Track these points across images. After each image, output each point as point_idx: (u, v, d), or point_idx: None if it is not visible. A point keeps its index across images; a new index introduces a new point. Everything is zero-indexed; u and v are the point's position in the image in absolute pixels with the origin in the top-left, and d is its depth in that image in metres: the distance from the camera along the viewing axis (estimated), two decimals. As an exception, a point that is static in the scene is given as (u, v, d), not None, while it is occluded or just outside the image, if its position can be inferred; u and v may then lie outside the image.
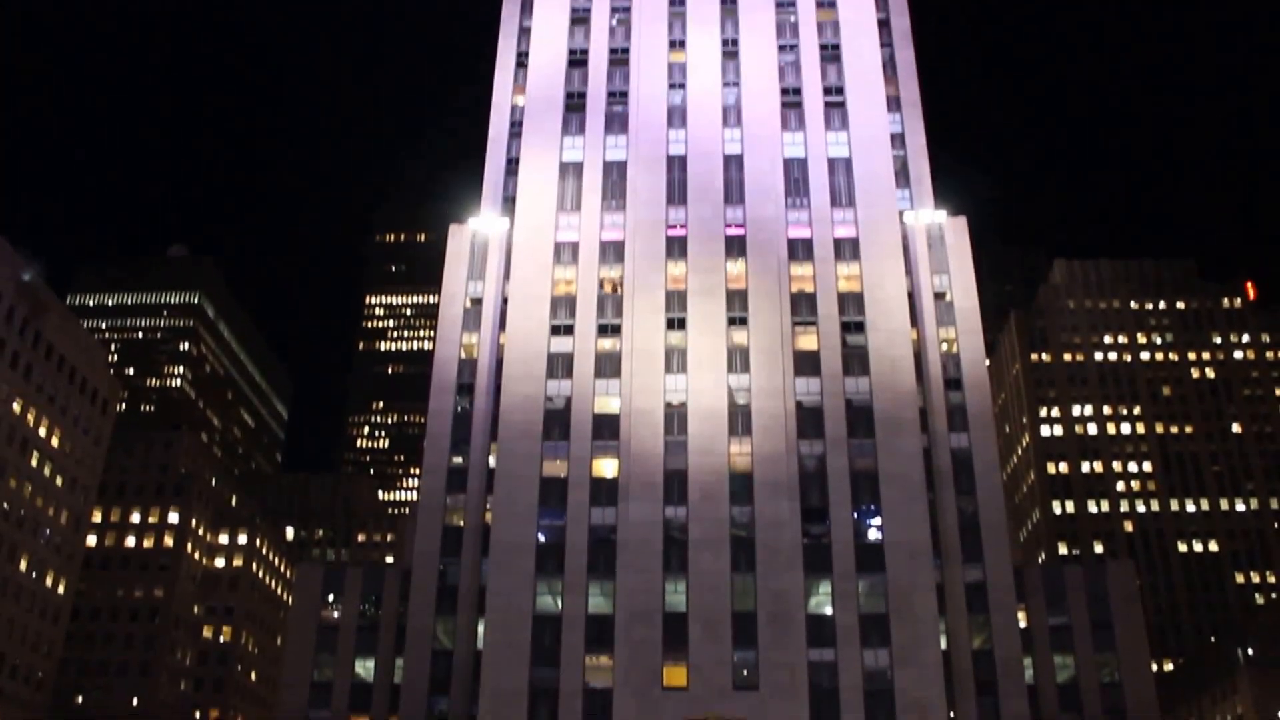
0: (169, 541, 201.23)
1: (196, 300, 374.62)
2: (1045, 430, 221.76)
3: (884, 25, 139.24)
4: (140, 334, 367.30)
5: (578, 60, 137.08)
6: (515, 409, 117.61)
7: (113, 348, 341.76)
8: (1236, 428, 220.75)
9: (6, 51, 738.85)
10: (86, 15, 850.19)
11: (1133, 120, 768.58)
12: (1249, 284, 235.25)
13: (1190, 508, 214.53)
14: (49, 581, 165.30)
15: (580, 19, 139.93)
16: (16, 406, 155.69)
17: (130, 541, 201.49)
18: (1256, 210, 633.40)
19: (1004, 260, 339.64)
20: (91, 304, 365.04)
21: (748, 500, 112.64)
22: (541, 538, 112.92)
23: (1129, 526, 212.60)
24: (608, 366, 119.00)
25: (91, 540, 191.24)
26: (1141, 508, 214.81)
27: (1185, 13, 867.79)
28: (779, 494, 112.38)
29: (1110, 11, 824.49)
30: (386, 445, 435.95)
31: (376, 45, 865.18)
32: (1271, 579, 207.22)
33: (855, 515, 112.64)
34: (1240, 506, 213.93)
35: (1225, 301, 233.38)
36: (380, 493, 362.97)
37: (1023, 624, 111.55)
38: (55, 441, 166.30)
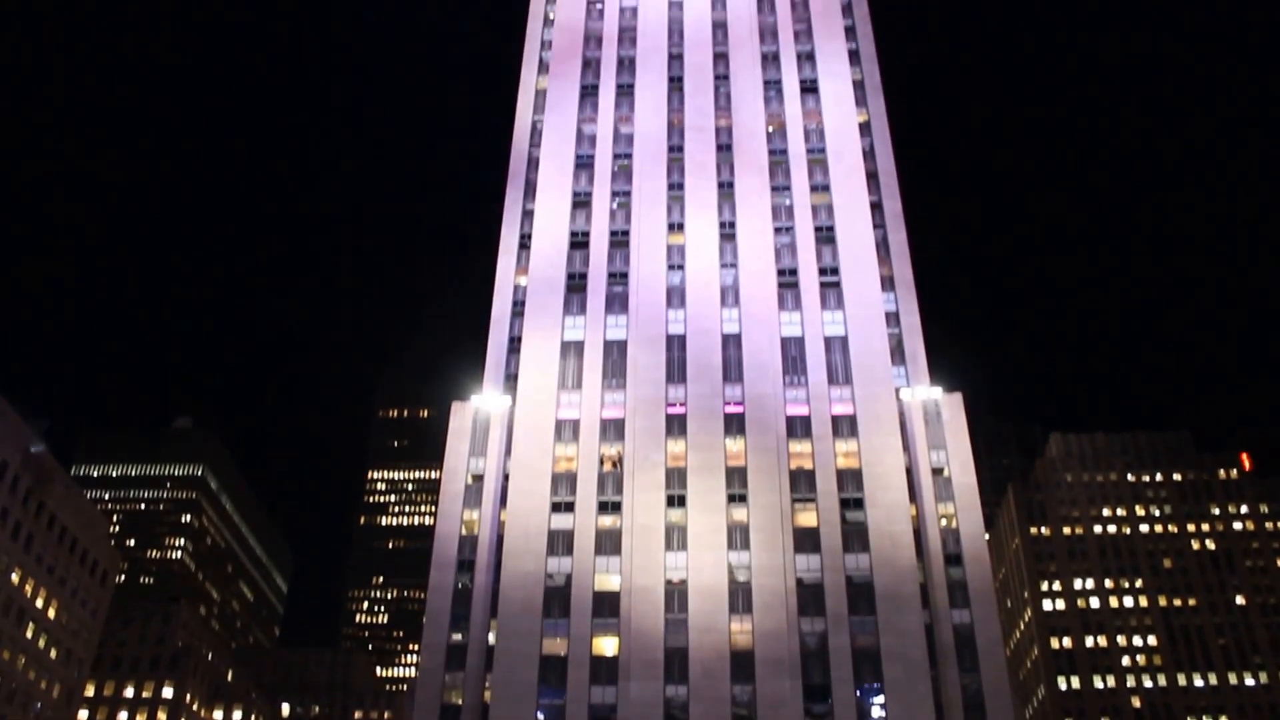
0: (162, 718, 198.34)
1: (200, 473, 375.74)
2: (1048, 605, 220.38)
3: (876, 208, 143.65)
4: (143, 505, 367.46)
5: (579, 242, 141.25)
6: (515, 586, 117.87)
7: (115, 518, 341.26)
8: (1240, 600, 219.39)
9: (17, 221, 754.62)
10: (91, 190, 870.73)
11: (1124, 293, 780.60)
12: (1244, 455, 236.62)
13: (1198, 682, 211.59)
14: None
15: (582, 202, 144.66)
16: (15, 577, 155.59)
17: (123, 717, 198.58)
18: (1249, 382, 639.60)
19: (1000, 434, 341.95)
20: (95, 474, 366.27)
21: (749, 679, 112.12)
22: (541, 716, 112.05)
23: (1136, 702, 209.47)
24: (608, 543, 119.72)
25: (83, 715, 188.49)
26: (1149, 682, 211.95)
27: (1180, 189, 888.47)
28: (780, 672, 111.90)
29: (1102, 187, 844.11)
30: (386, 620, 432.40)
31: (383, 224, 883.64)
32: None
33: (858, 694, 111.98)
34: (1249, 680, 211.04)
35: (1222, 473, 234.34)
36: (378, 669, 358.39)
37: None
38: (52, 613, 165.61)
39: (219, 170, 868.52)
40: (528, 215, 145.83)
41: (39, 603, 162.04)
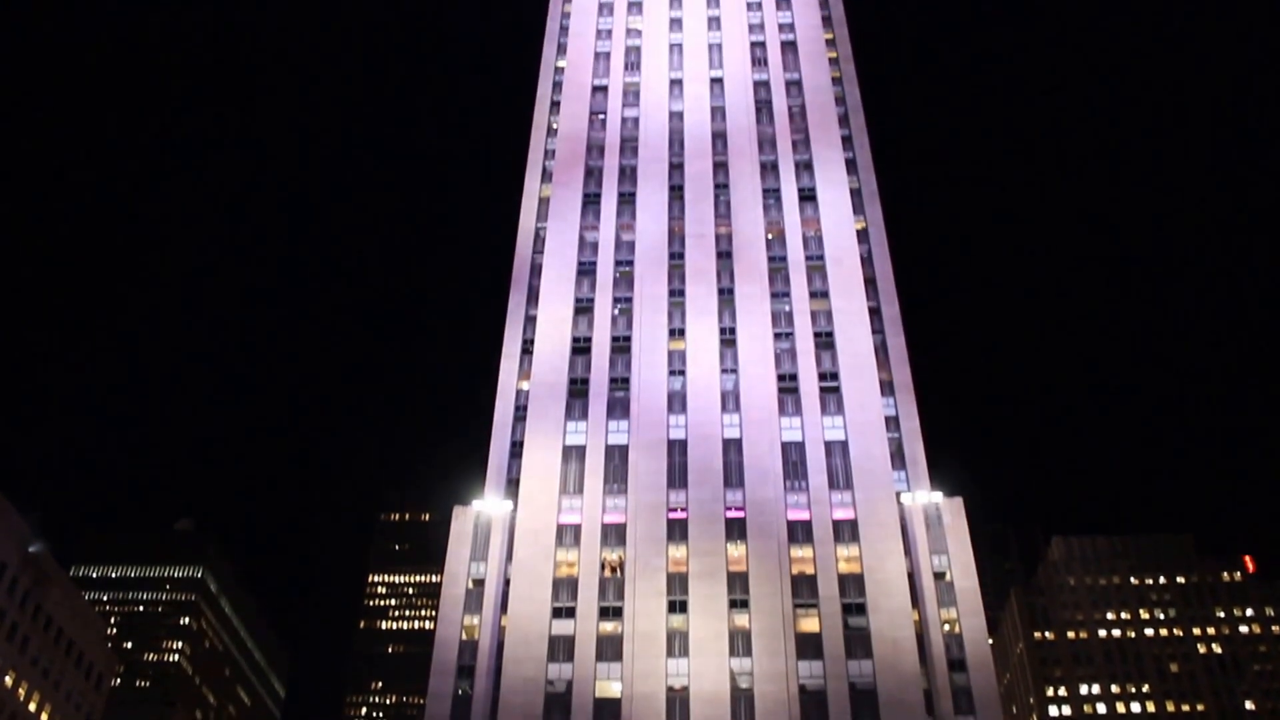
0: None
1: (199, 575, 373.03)
2: (1053, 710, 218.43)
3: (875, 313, 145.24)
4: (141, 607, 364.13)
5: (581, 348, 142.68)
6: (516, 692, 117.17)
7: (112, 620, 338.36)
8: (1250, 705, 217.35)
9: (18, 328, 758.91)
10: (94, 289, 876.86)
11: (1123, 396, 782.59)
12: (1247, 558, 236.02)
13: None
14: None
15: (584, 308, 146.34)
16: (9, 680, 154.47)
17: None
18: (1250, 484, 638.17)
19: (1002, 538, 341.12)
20: (94, 575, 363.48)
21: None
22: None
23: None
24: (609, 649, 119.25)
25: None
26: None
27: (1177, 294, 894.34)
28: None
29: (1101, 290, 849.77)
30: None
31: (386, 329, 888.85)
32: None
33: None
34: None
35: (1225, 575, 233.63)
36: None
37: None
38: (45, 717, 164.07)
39: (223, 272, 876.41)
40: (530, 321, 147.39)
41: (32, 706, 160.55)
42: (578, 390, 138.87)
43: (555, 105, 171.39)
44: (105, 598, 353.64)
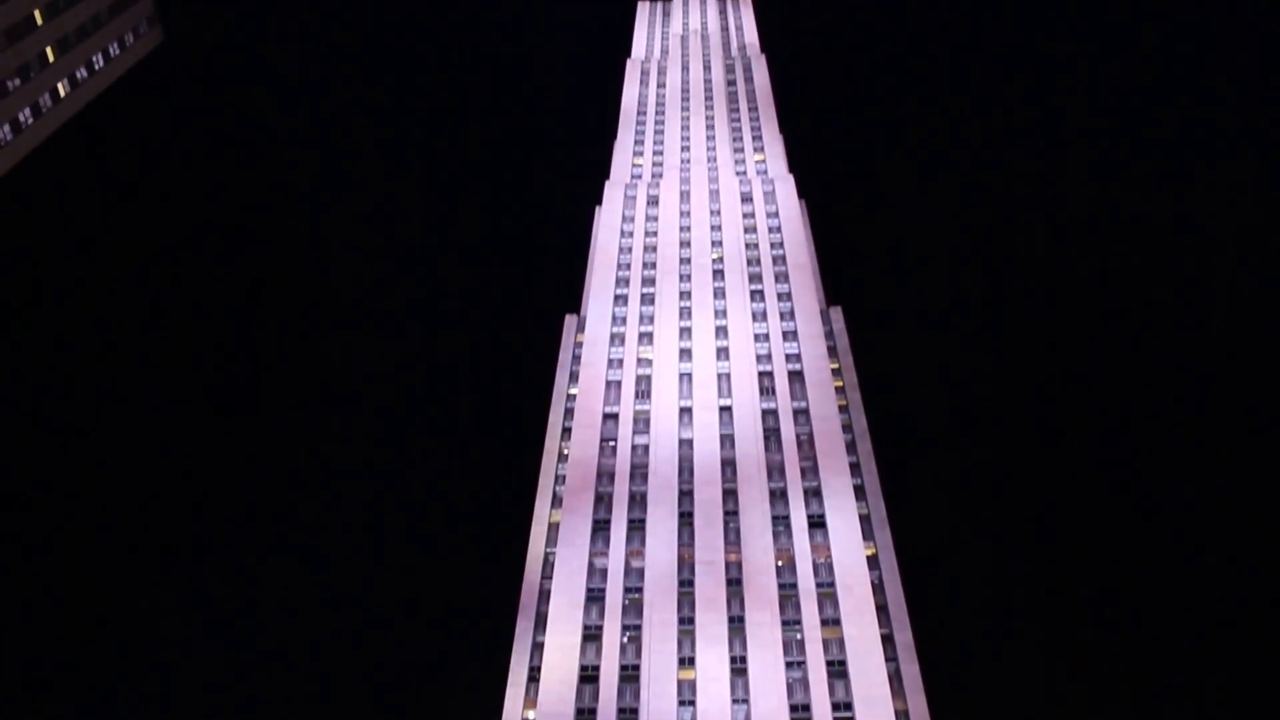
0: None
1: None
2: None
3: (888, 640, 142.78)
4: None
5: (589, 676, 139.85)
6: None
7: None
8: None
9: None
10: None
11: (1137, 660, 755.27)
12: None
13: None
14: None
15: (592, 636, 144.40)
16: None
17: None
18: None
19: None
20: None
21: None
22: None
23: None
24: None
25: None
26: None
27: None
28: None
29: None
30: None
31: (388, 662, 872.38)
32: None
33: None
34: None
35: None
36: None
37: None
38: None
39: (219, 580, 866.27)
40: (537, 648, 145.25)
41: None
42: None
43: (566, 432, 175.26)
44: None
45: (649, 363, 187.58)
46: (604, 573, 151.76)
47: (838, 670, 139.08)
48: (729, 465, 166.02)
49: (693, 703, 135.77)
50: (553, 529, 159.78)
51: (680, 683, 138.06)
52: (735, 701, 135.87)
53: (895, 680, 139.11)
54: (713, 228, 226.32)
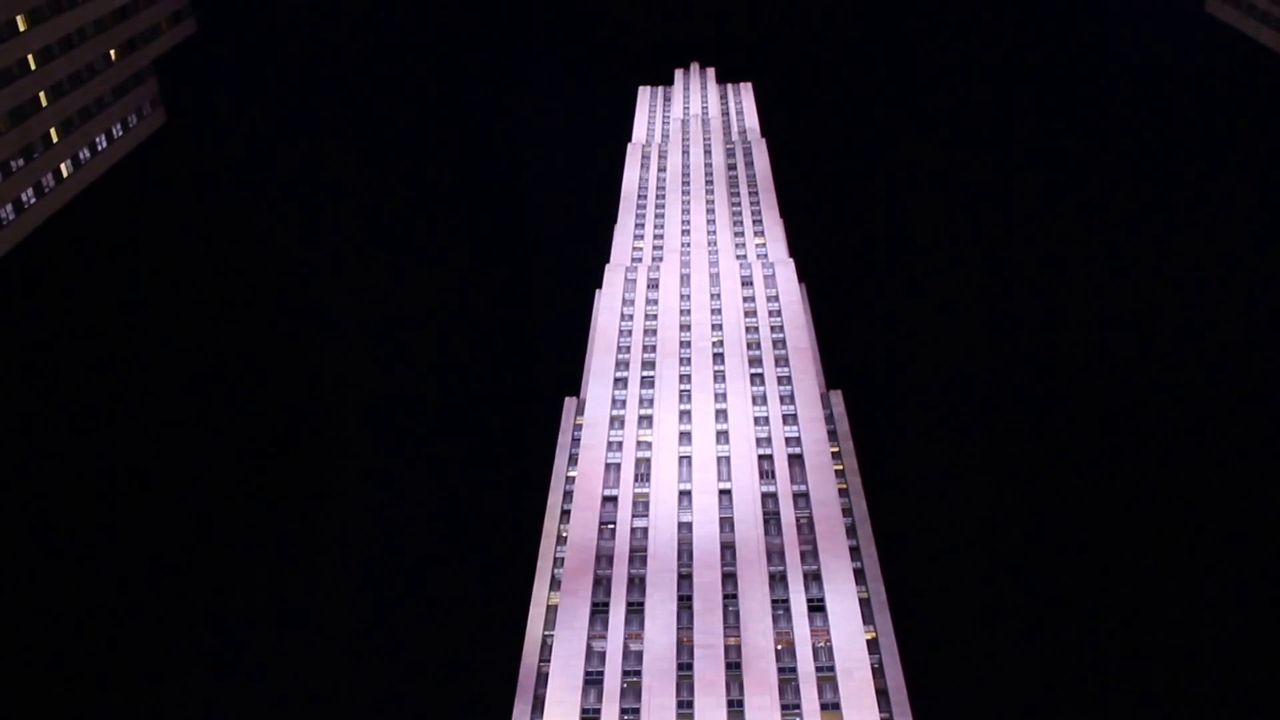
0: None
1: None
2: None
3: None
4: None
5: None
6: None
7: None
8: None
9: None
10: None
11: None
12: None
13: None
14: None
15: (590, 719, 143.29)
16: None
17: None
18: None
19: None
20: None
21: None
22: None
23: None
24: None
25: None
26: None
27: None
28: None
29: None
30: None
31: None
32: None
33: None
34: None
35: None
36: None
37: None
38: None
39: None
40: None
41: None
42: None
43: (565, 514, 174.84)
44: None
45: (648, 445, 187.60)
46: (602, 656, 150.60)
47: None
48: (728, 548, 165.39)
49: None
50: (551, 611, 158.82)
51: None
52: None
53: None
54: (713, 311, 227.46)
